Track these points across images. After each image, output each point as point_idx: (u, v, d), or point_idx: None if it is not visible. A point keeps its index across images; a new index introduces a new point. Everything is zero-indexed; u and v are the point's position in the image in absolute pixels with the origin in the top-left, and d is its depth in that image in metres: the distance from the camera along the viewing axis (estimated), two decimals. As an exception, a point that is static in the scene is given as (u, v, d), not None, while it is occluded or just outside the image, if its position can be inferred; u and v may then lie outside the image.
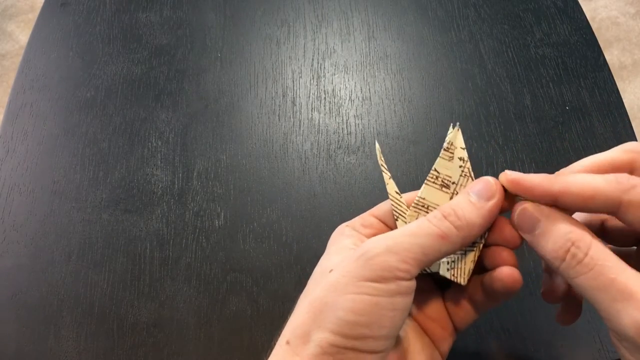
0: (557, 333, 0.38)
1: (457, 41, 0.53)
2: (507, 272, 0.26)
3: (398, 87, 0.50)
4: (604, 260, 0.22)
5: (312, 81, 0.51)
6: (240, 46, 0.53)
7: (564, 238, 0.23)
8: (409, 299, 0.25)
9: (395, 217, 0.28)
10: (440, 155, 0.27)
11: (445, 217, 0.25)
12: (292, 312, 0.27)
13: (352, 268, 0.25)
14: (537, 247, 0.25)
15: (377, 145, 0.28)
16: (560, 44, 0.52)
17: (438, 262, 0.28)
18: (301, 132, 0.48)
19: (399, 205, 0.28)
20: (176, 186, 0.45)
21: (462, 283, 0.27)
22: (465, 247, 0.27)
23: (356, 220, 0.30)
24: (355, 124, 0.48)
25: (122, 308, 0.40)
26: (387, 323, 0.24)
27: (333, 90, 0.50)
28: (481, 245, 0.27)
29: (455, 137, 0.27)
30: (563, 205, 0.25)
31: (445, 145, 0.27)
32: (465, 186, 0.27)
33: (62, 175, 0.46)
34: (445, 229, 0.25)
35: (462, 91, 0.49)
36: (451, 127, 0.27)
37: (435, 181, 0.27)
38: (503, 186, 0.26)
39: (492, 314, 0.39)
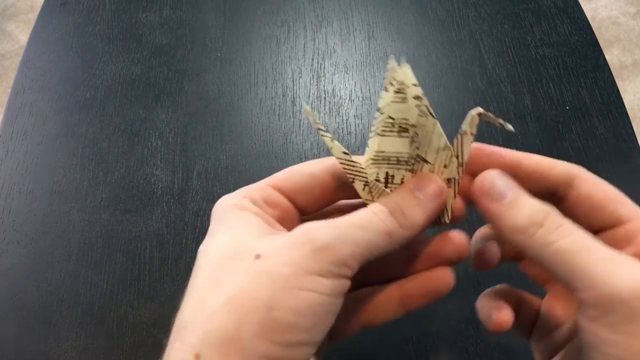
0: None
1: (457, 41, 0.53)
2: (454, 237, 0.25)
3: (398, 87, 0.50)
4: (579, 230, 0.21)
5: (312, 81, 0.51)
6: (240, 46, 0.53)
7: (541, 206, 0.21)
8: (342, 302, 0.21)
9: (351, 179, 0.24)
10: (392, 99, 0.23)
11: (391, 212, 0.22)
12: (181, 305, 0.22)
13: (295, 257, 0.20)
14: (505, 215, 0.22)
15: (306, 107, 0.23)
16: (561, 43, 0.52)
17: None
18: (301, 132, 0.48)
19: (351, 165, 0.24)
20: (176, 186, 0.45)
21: (447, 221, 0.25)
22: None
23: (254, 193, 0.24)
24: (355, 124, 0.48)
25: (122, 308, 0.40)
26: (325, 329, 0.20)
27: (333, 90, 0.50)
28: (459, 181, 0.24)
29: (405, 74, 0.22)
30: (524, 173, 0.24)
31: (395, 87, 0.23)
32: (426, 126, 0.24)
33: (62, 175, 0.46)
34: (391, 226, 0.22)
35: (462, 91, 0.49)
36: (392, 60, 0.22)
37: (392, 129, 0.24)
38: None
39: (492, 314, 0.39)
